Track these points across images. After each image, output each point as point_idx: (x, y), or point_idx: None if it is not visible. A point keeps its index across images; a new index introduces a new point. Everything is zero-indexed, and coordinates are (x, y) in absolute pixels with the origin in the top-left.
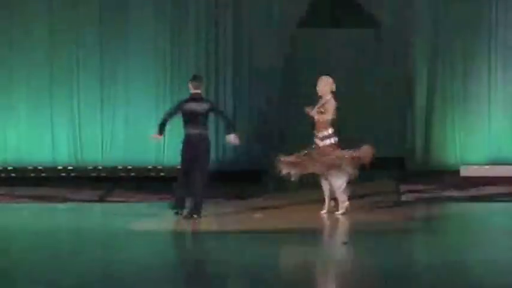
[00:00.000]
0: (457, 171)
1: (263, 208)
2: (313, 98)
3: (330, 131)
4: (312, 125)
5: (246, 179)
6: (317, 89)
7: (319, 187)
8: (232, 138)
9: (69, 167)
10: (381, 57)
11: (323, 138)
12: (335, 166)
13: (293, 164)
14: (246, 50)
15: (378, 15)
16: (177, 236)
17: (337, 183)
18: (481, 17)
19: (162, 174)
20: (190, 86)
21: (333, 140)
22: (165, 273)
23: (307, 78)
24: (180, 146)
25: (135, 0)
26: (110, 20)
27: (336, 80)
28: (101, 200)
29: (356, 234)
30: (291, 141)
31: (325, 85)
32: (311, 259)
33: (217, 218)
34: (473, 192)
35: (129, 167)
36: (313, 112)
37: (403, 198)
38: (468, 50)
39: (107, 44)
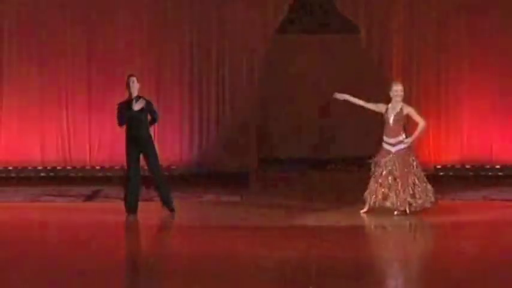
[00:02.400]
0: (431, 171)
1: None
2: (294, 100)
3: (404, 136)
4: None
5: (229, 179)
6: (397, 93)
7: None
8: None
9: (58, 167)
10: (359, 62)
11: (396, 144)
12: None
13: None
14: (228, 53)
15: (357, 21)
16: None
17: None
18: (457, 21)
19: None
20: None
21: (406, 145)
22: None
23: (287, 82)
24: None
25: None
26: (97, 21)
27: (315, 84)
28: (89, 199)
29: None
30: (270, 140)
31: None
32: None
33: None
34: (447, 191)
35: (117, 167)
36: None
37: None
38: (444, 52)
39: (95, 46)
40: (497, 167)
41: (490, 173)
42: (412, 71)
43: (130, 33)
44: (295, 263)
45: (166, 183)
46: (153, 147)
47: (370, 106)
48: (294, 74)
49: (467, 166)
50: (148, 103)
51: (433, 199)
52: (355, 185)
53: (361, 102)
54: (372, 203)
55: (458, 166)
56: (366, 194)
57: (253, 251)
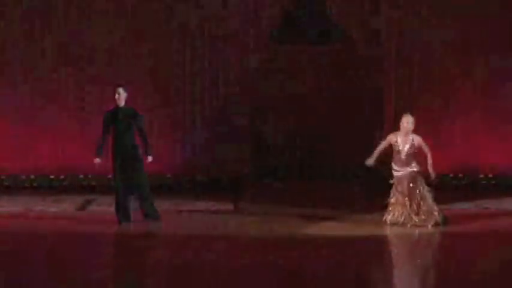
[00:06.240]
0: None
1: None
2: (287, 109)
3: (415, 163)
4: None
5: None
6: (407, 125)
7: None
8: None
9: (51, 176)
10: (351, 71)
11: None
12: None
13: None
14: (220, 62)
15: (347, 30)
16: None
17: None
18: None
19: None
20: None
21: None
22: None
23: (279, 91)
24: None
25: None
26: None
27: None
28: (82, 208)
29: None
30: (266, 148)
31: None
32: None
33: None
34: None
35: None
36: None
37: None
38: (436, 59)
39: (86, 53)
40: (490, 176)
41: (483, 182)
42: (404, 80)
43: (123, 42)
44: (290, 272)
45: (147, 197)
46: (137, 158)
47: (384, 145)
48: (290, 81)
49: (460, 175)
50: (135, 115)
51: (438, 219)
52: (352, 194)
53: (378, 149)
54: (389, 219)
55: (451, 175)
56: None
57: (246, 259)
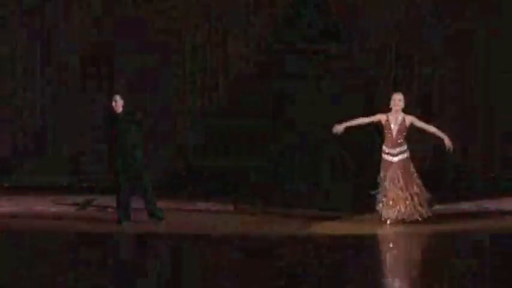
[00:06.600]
0: None
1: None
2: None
3: (406, 146)
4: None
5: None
6: (398, 102)
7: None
8: None
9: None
10: (350, 71)
11: (398, 154)
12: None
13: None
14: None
15: (349, 33)
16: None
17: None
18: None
19: None
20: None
21: (407, 154)
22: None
23: (279, 91)
24: None
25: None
26: None
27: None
28: (82, 208)
29: None
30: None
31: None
32: None
33: None
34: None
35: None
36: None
37: None
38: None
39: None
40: (492, 175)
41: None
42: (404, 80)
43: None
44: (290, 272)
45: (151, 198)
46: (137, 158)
47: (368, 120)
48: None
49: (461, 175)
50: (134, 115)
51: (434, 206)
52: (351, 193)
53: (359, 121)
54: (394, 216)
55: (451, 175)
56: (381, 208)
57: (245, 259)
